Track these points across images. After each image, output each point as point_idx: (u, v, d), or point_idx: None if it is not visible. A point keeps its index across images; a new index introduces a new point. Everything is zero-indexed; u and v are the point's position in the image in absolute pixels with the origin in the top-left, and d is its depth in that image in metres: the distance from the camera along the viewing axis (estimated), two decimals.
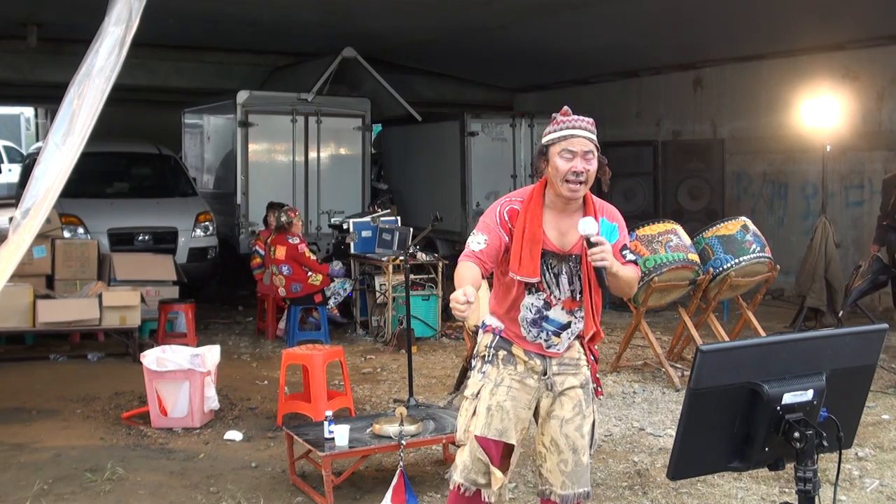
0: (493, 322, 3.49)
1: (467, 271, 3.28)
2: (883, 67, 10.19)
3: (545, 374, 3.41)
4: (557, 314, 3.40)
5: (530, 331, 3.40)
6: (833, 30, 9.94)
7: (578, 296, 3.40)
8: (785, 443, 2.48)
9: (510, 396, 3.38)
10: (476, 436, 3.37)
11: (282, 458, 5.37)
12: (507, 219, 3.36)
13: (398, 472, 4.41)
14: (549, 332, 3.40)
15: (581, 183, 3.28)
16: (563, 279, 3.38)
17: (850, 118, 9.80)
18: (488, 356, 3.46)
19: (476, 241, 3.35)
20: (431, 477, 5.19)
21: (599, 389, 3.54)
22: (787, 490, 4.87)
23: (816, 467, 2.51)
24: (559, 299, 3.39)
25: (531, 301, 3.39)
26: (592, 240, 3.20)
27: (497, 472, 3.37)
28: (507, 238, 3.35)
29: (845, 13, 9.37)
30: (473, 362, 3.54)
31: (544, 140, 3.37)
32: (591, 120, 3.37)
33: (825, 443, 2.48)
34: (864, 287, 8.58)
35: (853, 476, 5.16)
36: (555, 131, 3.34)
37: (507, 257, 3.37)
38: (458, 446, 3.49)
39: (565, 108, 3.41)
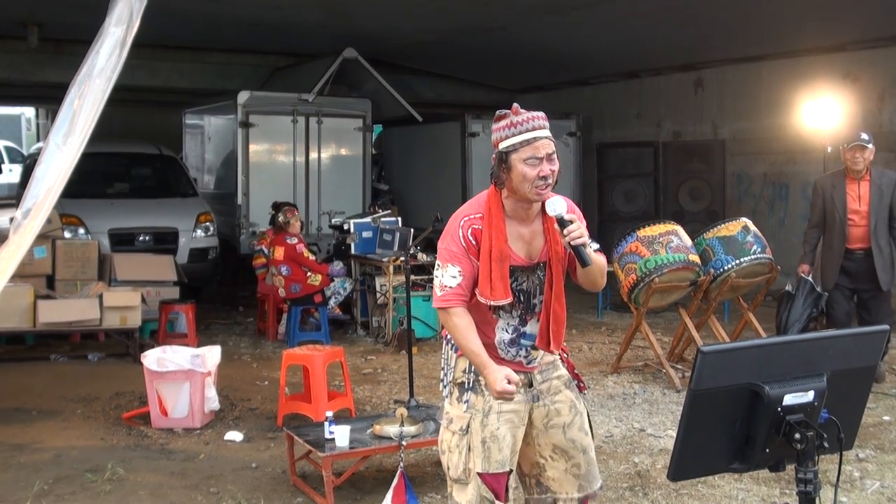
0: None
1: (468, 328, 3.12)
2: (883, 69, 10.19)
3: (531, 385, 3.29)
4: (534, 328, 3.26)
5: (508, 351, 3.25)
6: (833, 31, 9.94)
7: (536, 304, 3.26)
8: (785, 444, 2.47)
9: (502, 422, 3.20)
10: (479, 473, 3.20)
11: (282, 458, 5.37)
12: (473, 242, 3.13)
13: (399, 472, 4.40)
14: (528, 348, 3.27)
15: (548, 185, 3.10)
16: (533, 291, 3.23)
17: (850, 119, 9.79)
18: (468, 383, 3.24)
19: (450, 275, 3.13)
20: (432, 478, 5.18)
21: (582, 384, 3.45)
22: (787, 491, 4.87)
23: (817, 468, 2.51)
24: (533, 312, 3.25)
25: (506, 322, 3.24)
26: (566, 218, 3.04)
27: None
28: (476, 262, 3.13)
29: (846, 14, 9.37)
30: (449, 387, 3.31)
31: (503, 146, 3.10)
32: (543, 114, 3.15)
33: (826, 444, 2.48)
34: (803, 326, 7.15)
35: (854, 477, 5.16)
36: (513, 135, 3.09)
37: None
38: (456, 483, 3.26)
39: (515, 105, 3.16)
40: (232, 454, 5.64)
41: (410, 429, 4.91)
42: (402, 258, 7.83)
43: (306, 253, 8.94)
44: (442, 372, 3.39)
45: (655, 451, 5.66)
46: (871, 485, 5.06)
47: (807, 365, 2.52)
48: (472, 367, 3.25)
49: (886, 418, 6.32)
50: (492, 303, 3.15)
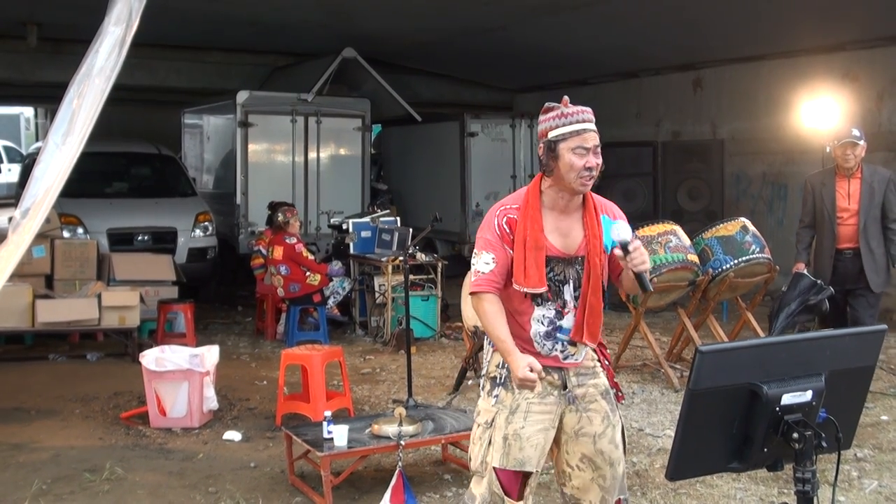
0: None
1: (497, 314, 3.16)
2: (882, 68, 10.20)
3: (565, 387, 3.28)
4: (570, 322, 3.26)
5: (545, 344, 3.25)
6: (833, 31, 9.94)
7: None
8: (784, 443, 2.48)
9: (528, 422, 3.21)
10: (494, 467, 3.23)
11: (281, 458, 5.37)
12: (507, 231, 3.20)
13: (397, 472, 4.41)
14: (565, 343, 3.26)
15: (592, 177, 3.18)
16: (571, 284, 3.25)
17: (849, 119, 9.79)
18: (500, 378, 3.26)
19: (483, 262, 3.20)
20: (430, 477, 5.19)
21: (620, 394, 3.45)
22: (785, 491, 4.87)
23: (815, 468, 2.51)
24: (570, 306, 3.26)
25: (542, 313, 3.25)
26: (630, 247, 3.09)
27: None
28: (510, 251, 3.20)
29: (845, 14, 9.38)
30: (482, 381, 3.36)
31: (552, 135, 3.17)
32: (590, 110, 3.23)
33: (824, 444, 2.48)
34: (794, 310, 6.83)
35: (852, 477, 5.16)
36: (563, 125, 3.16)
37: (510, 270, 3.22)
38: (473, 475, 3.33)
39: (566, 98, 3.25)
40: (230, 454, 5.64)
41: (409, 428, 4.91)
42: (401, 258, 7.84)
43: (305, 253, 8.94)
44: (483, 369, 3.42)
45: (654, 450, 5.66)
46: (869, 484, 5.06)
47: (805, 365, 2.52)
48: (506, 362, 3.25)
49: (884, 418, 6.33)
50: (526, 289, 3.18)
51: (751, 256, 7.15)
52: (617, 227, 3.14)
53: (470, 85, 15.63)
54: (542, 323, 3.25)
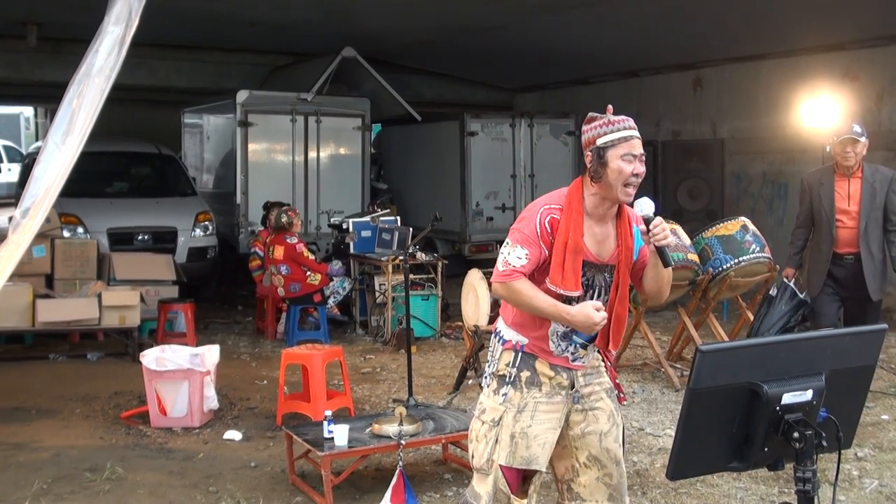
0: (514, 336, 3.32)
1: (534, 288, 3.19)
2: (882, 68, 10.20)
3: (572, 387, 3.31)
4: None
5: (559, 344, 3.27)
6: (833, 30, 9.94)
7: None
8: (784, 443, 2.48)
9: (535, 421, 3.24)
10: (501, 465, 3.25)
11: (281, 457, 5.37)
12: (549, 230, 3.20)
13: (397, 471, 4.41)
14: (577, 345, 3.29)
15: (636, 186, 3.20)
16: (596, 290, 3.29)
17: (849, 119, 9.80)
18: (509, 377, 3.29)
19: (517, 256, 3.21)
20: (431, 477, 5.19)
21: (623, 395, 3.48)
22: (786, 490, 4.87)
23: (815, 467, 2.51)
24: None
25: None
26: (654, 222, 3.15)
27: (517, 501, 3.28)
28: (546, 251, 3.21)
29: (845, 13, 9.37)
30: (488, 380, 3.36)
31: (601, 142, 3.19)
32: (632, 119, 3.29)
33: (824, 443, 2.48)
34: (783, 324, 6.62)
35: (852, 476, 5.16)
36: (612, 132, 3.19)
37: (543, 268, 3.23)
38: (478, 472, 3.33)
39: (610, 107, 3.29)
40: (231, 453, 5.64)
41: (409, 428, 4.92)
42: (401, 257, 7.84)
43: (306, 252, 8.94)
44: (487, 365, 3.43)
45: (654, 450, 5.66)
46: (870, 483, 5.06)
47: (805, 364, 2.52)
48: (516, 361, 3.29)
49: (885, 417, 6.33)
50: (561, 291, 3.19)
51: (751, 256, 7.14)
52: (640, 203, 3.18)
53: (470, 84, 15.63)
54: (561, 323, 3.27)
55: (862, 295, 6.24)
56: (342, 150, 12.44)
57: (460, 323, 8.19)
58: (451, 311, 9.89)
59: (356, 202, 12.08)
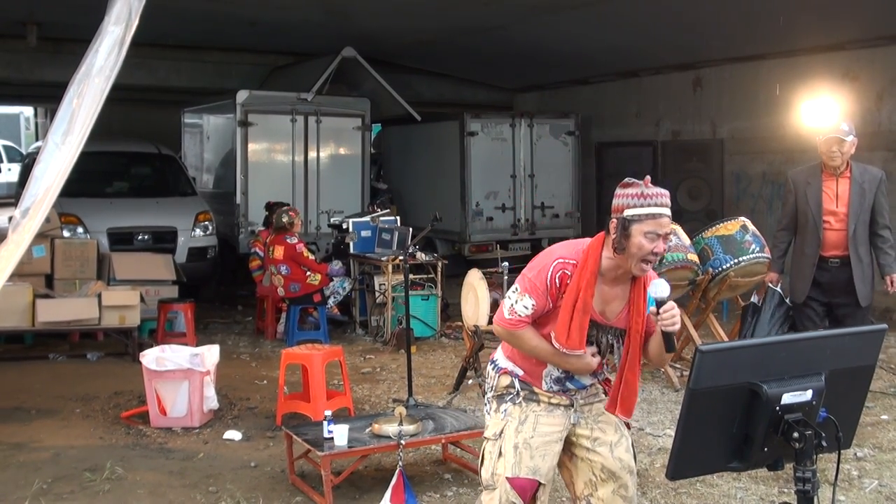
0: (510, 366, 3.36)
1: (537, 338, 3.22)
2: (882, 68, 10.20)
3: (572, 405, 3.32)
4: (582, 377, 3.34)
5: (551, 386, 3.31)
6: (833, 30, 9.94)
7: (604, 365, 3.34)
8: (784, 443, 2.48)
9: (538, 433, 3.26)
10: (507, 477, 3.23)
11: (281, 457, 5.37)
12: (558, 285, 3.18)
13: (397, 471, 4.41)
14: (569, 390, 3.33)
15: (653, 263, 3.16)
16: (601, 351, 3.29)
17: (849, 119, 9.80)
18: (508, 396, 3.33)
19: (523, 305, 3.21)
20: (431, 477, 5.19)
21: (628, 424, 3.48)
22: (786, 490, 4.87)
23: (815, 467, 2.51)
24: None
25: None
26: (665, 306, 3.08)
27: None
28: (551, 304, 3.20)
29: (845, 13, 9.37)
30: (489, 402, 3.40)
31: (628, 213, 3.10)
32: (668, 193, 3.18)
33: (824, 443, 2.48)
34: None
35: (852, 476, 5.16)
36: (641, 206, 3.10)
37: (547, 316, 3.23)
38: (486, 490, 3.31)
39: (648, 177, 3.18)
40: (231, 453, 5.64)
41: (409, 428, 4.91)
42: (401, 257, 7.84)
43: (306, 252, 8.94)
44: (486, 392, 3.46)
45: (654, 450, 5.66)
46: (870, 484, 5.06)
47: (805, 364, 2.52)
48: (515, 384, 3.32)
49: (884, 417, 6.33)
50: (564, 350, 3.20)
51: (751, 256, 7.14)
52: (655, 285, 3.12)
53: (470, 84, 15.62)
54: (557, 370, 3.30)
55: (849, 300, 5.94)
56: (342, 150, 12.44)
57: (460, 323, 8.19)
58: (450, 311, 9.89)
59: (356, 202, 12.08)
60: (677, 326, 3.10)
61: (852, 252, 5.90)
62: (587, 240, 3.28)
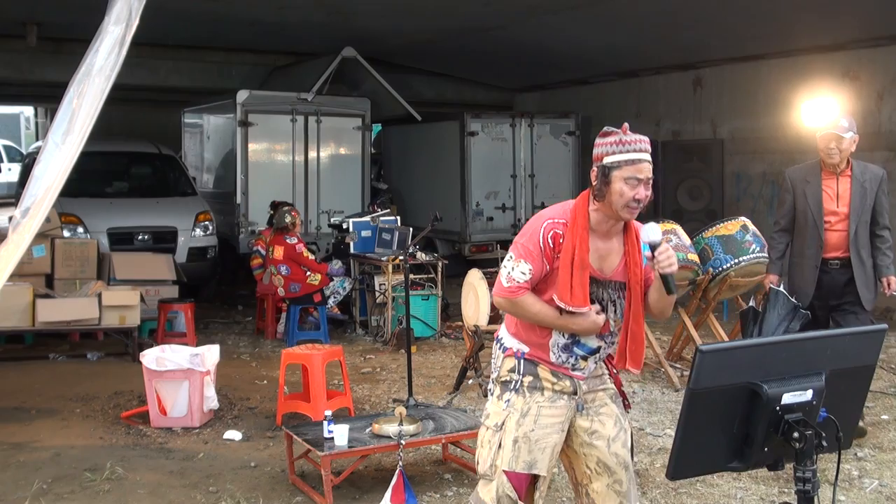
0: (515, 344, 3.32)
1: (540, 302, 3.20)
2: (883, 67, 10.20)
3: (575, 393, 3.30)
4: (589, 339, 3.27)
5: (559, 355, 3.27)
6: (833, 30, 9.94)
7: (612, 322, 3.30)
8: (784, 443, 2.48)
9: (539, 425, 3.24)
10: (504, 470, 3.24)
11: (281, 457, 5.37)
12: (551, 245, 3.18)
13: (397, 471, 4.41)
14: (578, 357, 3.28)
15: (639, 208, 3.18)
16: (604, 308, 3.26)
17: (850, 115, 9.80)
18: (512, 383, 3.29)
19: (520, 271, 3.20)
20: (431, 477, 5.19)
21: (627, 402, 3.47)
22: (786, 490, 4.87)
23: (815, 467, 2.51)
24: None
25: None
26: (659, 248, 3.12)
27: None
28: (548, 266, 3.20)
29: (845, 13, 9.38)
30: (492, 386, 3.37)
31: (607, 161, 3.14)
32: (648, 140, 3.21)
33: (824, 443, 2.48)
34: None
35: (852, 476, 5.16)
36: (620, 153, 3.13)
37: (546, 281, 3.22)
38: (481, 478, 3.32)
39: (626, 124, 3.21)
40: (231, 453, 5.64)
41: (409, 428, 4.92)
42: (401, 257, 7.84)
43: (306, 252, 8.94)
44: (491, 372, 3.43)
45: (654, 449, 5.66)
46: (870, 483, 5.06)
47: (805, 364, 2.52)
48: (519, 368, 3.29)
49: (885, 417, 6.33)
50: (571, 308, 3.18)
51: (751, 256, 7.15)
52: (646, 229, 3.15)
53: (470, 84, 15.63)
54: (563, 336, 3.26)
55: (851, 303, 5.69)
56: (342, 150, 12.44)
57: (460, 323, 8.19)
58: (451, 311, 9.89)
59: (356, 202, 12.07)
60: (675, 267, 3.13)
61: (853, 254, 5.66)
62: (573, 200, 3.30)
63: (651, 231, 3.15)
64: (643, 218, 3.30)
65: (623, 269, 3.27)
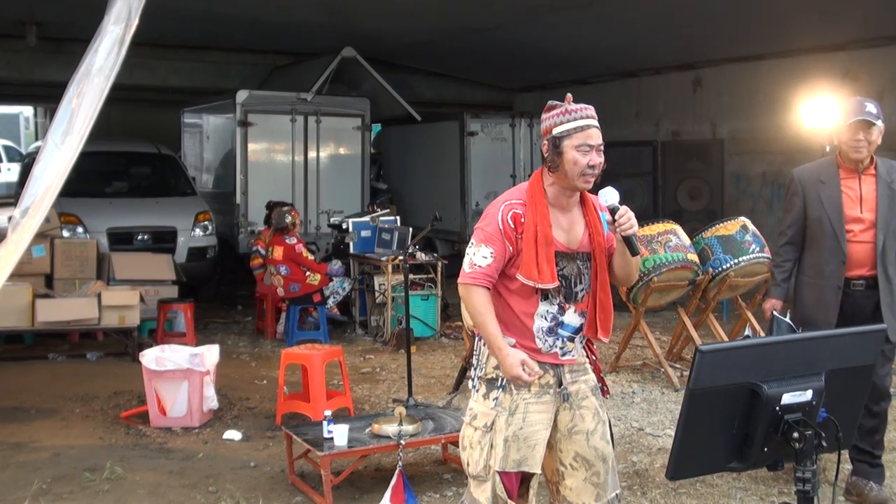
0: None
1: (489, 309, 3.18)
2: (883, 68, 10.19)
3: (560, 384, 3.28)
4: (571, 318, 3.27)
5: (546, 340, 3.25)
6: (833, 30, 9.94)
7: (587, 295, 3.29)
8: (784, 443, 2.48)
9: (527, 423, 3.22)
10: (498, 471, 3.23)
11: (281, 457, 5.37)
12: (511, 226, 3.18)
13: (397, 471, 4.41)
14: (564, 339, 3.27)
15: (594, 175, 3.20)
16: (573, 279, 3.26)
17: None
18: (499, 381, 3.25)
19: (482, 255, 3.19)
20: (430, 477, 5.19)
21: (606, 389, 3.46)
22: (786, 490, 4.87)
23: (815, 468, 2.51)
24: (572, 301, 3.27)
25: (546, 308, 3.24)
26: (619, 209, 3.15)
27: None
28: (511, 248, 3.19)
29: (845, 13, 9.37)
30: (477, 383, 3.31)
31: (556, 131, 3.18)
32: (593, 108, 3.25)
33: (824, 443, 2.48)
34: None
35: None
36: (567, 122, 3.18)
37: (514, 265, 3.21)
38: (474, 480, 3.28)
39: (569, 95, 3.25)
40: (230, 453, 5.64)
41: (409, 428, 4.92)
42: (401, 257, 7.83)
43: (305, 253, 8.94)
44: (472, 369, 3.40)
45: (654, 450, 5.66)
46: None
47: (805, 364, 2.52)
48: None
49: None
50: (539, 285, 3.18)
51: (751, 256, 7.15)
52: (603, 194, 3.18)
53: (470, 84, 15.63)
54: (546, 318, 3.25)
55: None
56: (342, 150, 12.43)
57: (460, 323, 8.19)
58: (450, 311, 9.89)
59: (356, 202, 12.07)
60: (635, 229, 3.16)
61: (880, 272, 4.47)
62: (526, 182, 3.33)
63: (609, 195, 3.18)
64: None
65: (588, 239, 3.29)
